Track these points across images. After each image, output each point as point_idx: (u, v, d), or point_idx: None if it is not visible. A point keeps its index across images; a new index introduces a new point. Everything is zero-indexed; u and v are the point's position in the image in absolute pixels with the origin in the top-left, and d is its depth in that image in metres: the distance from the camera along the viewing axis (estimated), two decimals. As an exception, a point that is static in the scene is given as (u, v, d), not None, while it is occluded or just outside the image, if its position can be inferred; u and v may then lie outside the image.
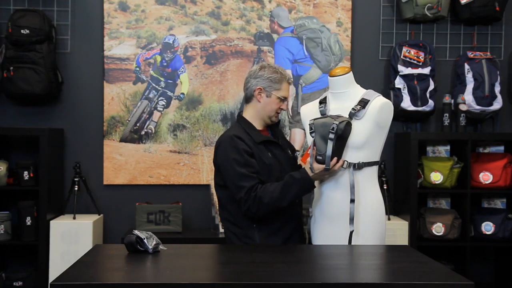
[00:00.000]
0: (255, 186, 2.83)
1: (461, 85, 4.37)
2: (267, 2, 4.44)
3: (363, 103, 2.87)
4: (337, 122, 2.74)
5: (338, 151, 2.78)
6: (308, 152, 2.89)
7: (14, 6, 4.31)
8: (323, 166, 2.78)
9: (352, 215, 2.83)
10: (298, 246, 2.89)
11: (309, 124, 2.84)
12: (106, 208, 4.39)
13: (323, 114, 2.93)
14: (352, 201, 2.83)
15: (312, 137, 2.83)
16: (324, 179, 2.92)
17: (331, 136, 2.74)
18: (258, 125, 3.04)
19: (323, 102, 3.00)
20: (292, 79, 3.12)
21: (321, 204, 2.94)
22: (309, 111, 3.04)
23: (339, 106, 2.92)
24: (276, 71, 3.01)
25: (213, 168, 3.03)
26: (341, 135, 2.76)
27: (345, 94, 2.94)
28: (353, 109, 2.85)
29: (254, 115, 3.03)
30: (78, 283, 2.03)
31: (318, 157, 2.79)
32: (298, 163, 3.10)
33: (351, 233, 2.83)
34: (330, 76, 2.98)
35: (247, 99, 3.05)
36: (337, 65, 4.41)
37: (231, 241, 2.98)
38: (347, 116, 2.84)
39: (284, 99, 3.01)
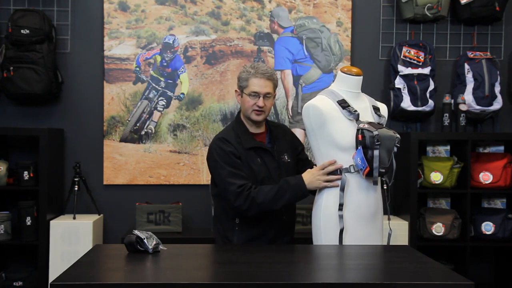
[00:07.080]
0: (246, 185, 2.85)
1: (461, 85, 4.37)
2: (267, 2, 4.44)
3: (378, 109, 2.95)
4: (398, 136, 2.78)
5: None
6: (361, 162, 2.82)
7: (14, 6, 4.31)
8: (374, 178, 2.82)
9: (388, 217, 2.98)
10: (298, 246, 2.89)
11: (375, 135, 2.70)
12: (106, 208, 4.39)
13: (357, 118, 2.82)
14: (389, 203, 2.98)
15: (376, 149, 2.72)
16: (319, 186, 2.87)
17: (395, 149, 2.77)
18: (251, 127, 3.04)
19: (344, 102, 2.85)
20: (267, 72, 2.99)
21: (355, 207, 2.85)
22: (330, 110, 2.86)
23: (358, 107, 2.90)
24: (246, 70, 3.01)
25: None
26: None
27: (360, 95, 2.97)
28: (383, 117, 2.94)
29: (243, 116, 3.08)
30: (78, 283, 2.03)
31: (381, 170, 2.76)
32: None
33: (389, 235, 2.93)
34: (354, 75, 2.91)
35: None
36: (337, 65, 4.42)
37: (215, 238, 3.10)
38: (373, 119, 2.91)
39: (254, 95, 2.97)
